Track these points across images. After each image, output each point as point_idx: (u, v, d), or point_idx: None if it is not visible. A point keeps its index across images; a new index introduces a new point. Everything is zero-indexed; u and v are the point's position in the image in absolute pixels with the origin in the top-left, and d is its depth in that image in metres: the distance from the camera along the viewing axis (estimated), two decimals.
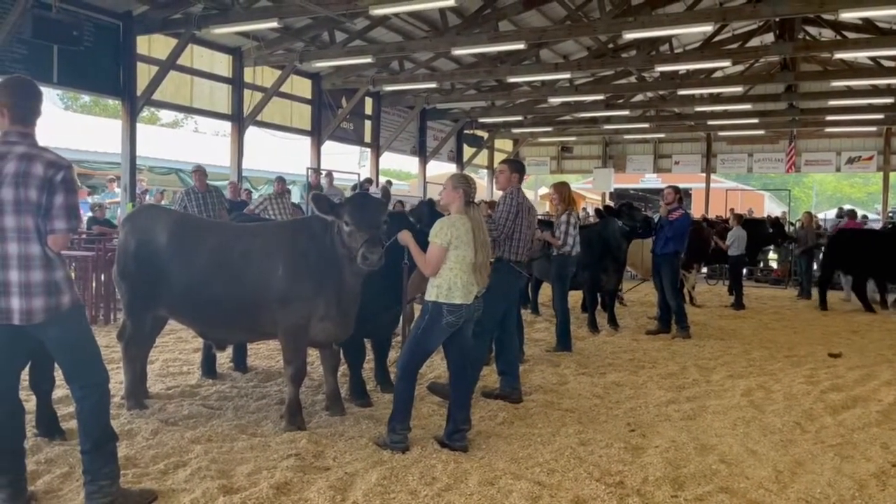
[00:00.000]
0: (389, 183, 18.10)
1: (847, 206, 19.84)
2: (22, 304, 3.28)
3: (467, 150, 24.30)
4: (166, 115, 32.90)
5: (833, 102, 19.28)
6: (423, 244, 4.51)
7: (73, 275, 3.59)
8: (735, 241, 12.62)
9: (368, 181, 16.57)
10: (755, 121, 20.93)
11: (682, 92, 19.09)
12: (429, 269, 4.46)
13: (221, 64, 14.89)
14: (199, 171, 10.22)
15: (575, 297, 9.52)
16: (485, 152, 25.85)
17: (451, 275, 4.42)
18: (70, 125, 19.06)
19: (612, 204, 12.13)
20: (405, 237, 4.60)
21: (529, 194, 12.76)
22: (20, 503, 3.43)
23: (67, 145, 15.21)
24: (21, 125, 3.35)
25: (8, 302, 3.28)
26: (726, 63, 15.59)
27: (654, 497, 3.88)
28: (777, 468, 4.34)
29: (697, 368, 7.17)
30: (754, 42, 16.67)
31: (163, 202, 14.07)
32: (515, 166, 6.02)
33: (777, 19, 14.34)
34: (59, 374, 3.95)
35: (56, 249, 3.35)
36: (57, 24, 10.23)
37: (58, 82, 11.74)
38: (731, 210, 18.31)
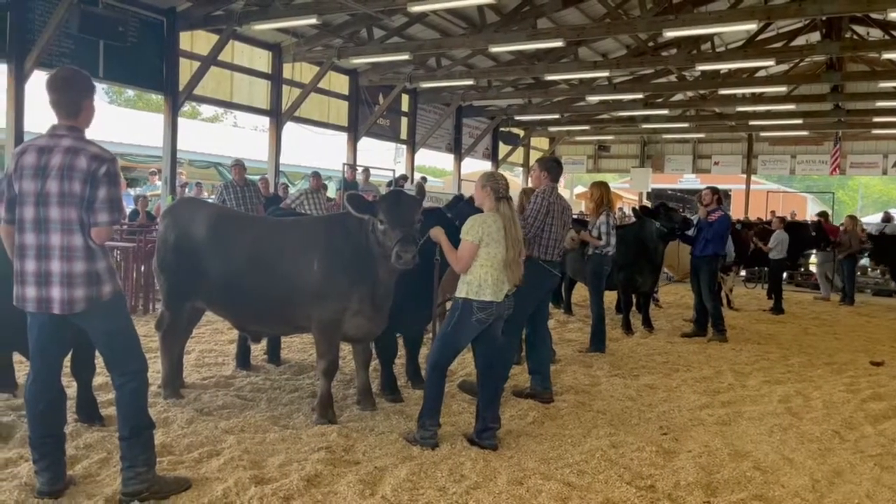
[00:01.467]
0: (424, 179, 18.14)
1: (894, 210, 19.25)
2: (63, 294, 3.36)
3: (503, 148, 24.22)
4: (207, 110, 33.43)
5: (881, 104, 18.75)
6: (456, 240, 4.51)
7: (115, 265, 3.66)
8: (777, 245, 12.38)
9: (404, 178, 16.62)
10: (799, 121, 20.47)
11: (723, 91, 18.76)
12: (460, 266, 4.46)
13: (261, 60, 15.08)
14: (239, 166, 10.37)
15: (609, 298, 9.42)
16: (521, 150, 25.73)
17: (481, 272, 4.41)
18: (114, 119, 19.49)
19: (648, 204, 11.98)
20: (437, 234, 4.61)
21: (565, 193, 12.68)
22: (59, 486, 3.52)
23: (111, 139, 15.60)
24: (67, 119, 3.43)
25: (49, 291, 3.37)
26: (770, 62, 15.28)
27: (685, 502, 3.83)
28: (814, 477, 4.24)
29: (733, 373, 7.04)
30: (799, 41, 16.31)
31: (203, 195, 14.31)
32: (544, 164, 6.00)
33: (823, 18, 14.01)
34: (99, 362, 4.04)
35: (99, 242, 3.42)
36: (103, 20, 10.47)
37: (103, 77, 12.02)
38: (773, 212, 17.96)
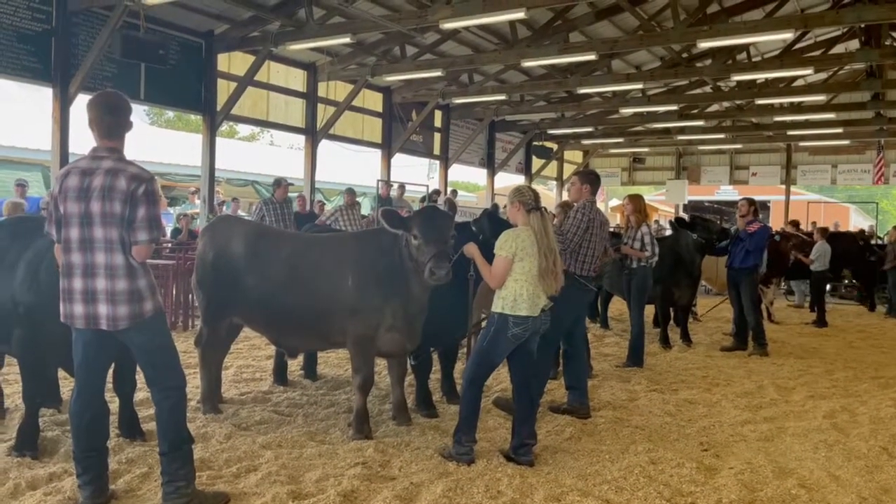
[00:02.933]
0: (455, 193, 18.18)
1: None
2: (109, 311, 3.45)
3: (536, 162, 24.18)
4: (244, 129, 34.09)
5: None
6: (487, 254, 4.50)
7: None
8: (819, 256, 12.11)
9: (437, 192, 16.69)
10: (839, 130, 20.05)
11: (760, 101, 18.48)
12: (494, 282, 4.45)
13: (296, 79, 15.34)
14: (284, 184, 10.68)
15: (646, 312, 9.30)
16: (554, 164, 25.66)
17: (516, 286, 4.39)
18: (155, 140, 19.98)
19: (684, 216, 11.82)
20: (471, 250, 4.61)
21: (601, 206, 12.55)
22: (102, 500, 3.59)
23: (152, 159, 15.98)
24: (108, 140, 3.53)
25: (96, 308, 3.46)
26: (808, 71, 15.01)
27: None
28: (861, 495, 4.11)
29: (776, 388, 6.88)
30: (838, 49, 16.00)
31: (239, 211, 14.56)
32: (586, 178, 5.92)
33: (862, 25, 13.75)
34: (140, 378, 4.12)
35: (140, 260, 3.50)
36: (144, 44, 10.76)
37: (144, 99, 12.37)
38: (814, 223, 17.58)
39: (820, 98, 17.28)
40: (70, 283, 3.49)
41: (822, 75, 18.22)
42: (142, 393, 4.93)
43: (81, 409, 3.56)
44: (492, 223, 5.38)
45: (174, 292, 9.45)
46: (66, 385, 5.48)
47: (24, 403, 4.36)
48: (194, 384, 5.75)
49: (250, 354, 7.72)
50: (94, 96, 3.61)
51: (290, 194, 11.55)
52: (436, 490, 3.93)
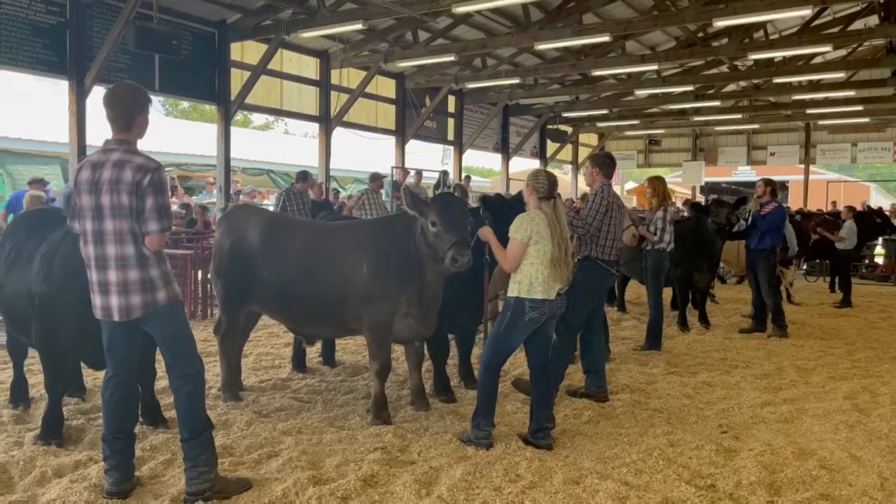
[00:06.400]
0: (468, 179, 18.12)
1: None
2: (121, 302, 3.50)
3: (551, 146, 24.05)
4: (258, 119, 34.18)
5: None
6: (501, 238, 4.49)
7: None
8: (849, 235, 11.99)
9: (445, 174, 16.67)
10: (859, 108, 19.73)
11: (778, 80, 18.23)
12: (509, 265, 4.45)
13: (309, 67, 15.33)
14: (311, 180, 10.96)
15: (664, 295, 9.25)
16: (569, 147, 25.50)
17: (531, 270, 4.38)
18: (170, 130, 20.07)
19: (701, 200, 11.73)
20: (486, 233, 4.60)
21: (616, 189, 12.49)
22: (127, 487, 3.65)
23: (168, 149, 16.06)
24: (119, 132, 3.56)
25: (108, 300, 3.52)
26: (826, 48, 14.77)
27: (748, 502, 3.73)
28: (883, 475, 4.09)
29: (796, 369, 6.84)
30: (857, 25, 15.71)
31: (255, 199, 14.63)
32: (596, 161, 5.86)
33: (881, 1, 13.47)
34: (160, 366, 4.17)
35: (154, 250, 3.54)
36: (158, 35, 10.78)
37: (159, 90, 12.41)
38: (833, 203, 17.38)
39: (839, 75, 16.99)
40: (90, 274, 3.57)
41: (842, 52, 17.89)
42: (163, 381, 4.99)
43: (111, 392, 3.64)
44: (501, 204, 5.34)
45: (191, 282, 9.53)
46: (91, 374, 5.57)
47: (46, 393, 4.44)
48: (215, 372, 5.82)
49: (269, 342, 7.78)
50: (108, 89, 3.63)
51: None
52: (455, 474, 3.95)
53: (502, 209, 5.15)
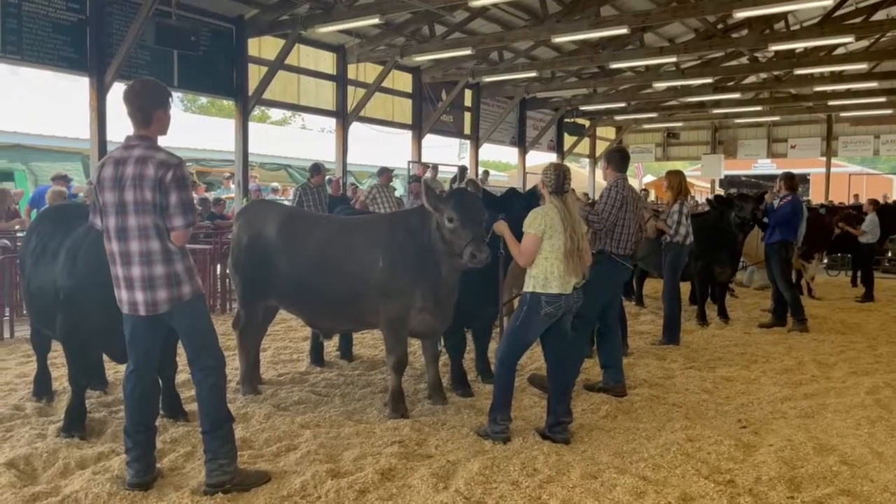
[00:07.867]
0: (486, 174, 18.08)
1: None
2: (147, 297, 3.54)
3: (568, 140, 23.94)
4: (275, 114, 34.30)
5: None
6: (517, 232, 4.49)
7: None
8: (871, 229, 11.84)
9: (464, 169, 16.66)
10: (882, 99, 19.46)
11: (798, 71, 17.97)
12: (523, 259, 4.44)
13: (326, 62, 15.37)
14: (324, 171, 10.86)
15: (682, 289, 9.20)
16: (586, 141, 25.37)
17: (546, 264, 4.37)
18: (189, 126, 20.21)
19: (721, 192, 11.62)
20: (501, 227, 4.59)
21: (633, 183, 12.41)
22: (148, 478, 3.69)
23: (187, 145, 16.17)
24: (140, 128, 3.59)
25: (133, 295, 3.56)
26: (849, 39, 14.54)
27: (767, 498, 3.70)
28: None
29: (816, 364, 6.77)
30: (880, 15, 15.47)
31: (270, 196, 14.71)
32: (606, 157, 5.93)
33: None
34: (181, 360, 4.21)
35: (179, 245, 3.57)
36: (177, 31, 10.87)
37: (178, 85, 12.53)
38: (856, 196, 17.15)
39: (861, 66, 16.77)
40: (114, 270, 3.61)
41: (864, 43, 17.61)
42: (183, 374, 5.04)
43: (132, 385, 3.69)
44: (515, 200, 5.34)
45: (211, 276, 9.61)
46: (113, 368, 5.64)
47: (69, 386, 4.50)
48: (234, 366, 5.86)
49: (287, 336, 7.83)
50: (129, 85, 3.68)
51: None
52: (472, 468, 3.96)
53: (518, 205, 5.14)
